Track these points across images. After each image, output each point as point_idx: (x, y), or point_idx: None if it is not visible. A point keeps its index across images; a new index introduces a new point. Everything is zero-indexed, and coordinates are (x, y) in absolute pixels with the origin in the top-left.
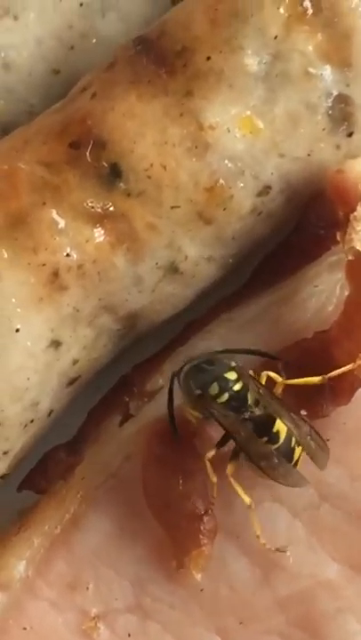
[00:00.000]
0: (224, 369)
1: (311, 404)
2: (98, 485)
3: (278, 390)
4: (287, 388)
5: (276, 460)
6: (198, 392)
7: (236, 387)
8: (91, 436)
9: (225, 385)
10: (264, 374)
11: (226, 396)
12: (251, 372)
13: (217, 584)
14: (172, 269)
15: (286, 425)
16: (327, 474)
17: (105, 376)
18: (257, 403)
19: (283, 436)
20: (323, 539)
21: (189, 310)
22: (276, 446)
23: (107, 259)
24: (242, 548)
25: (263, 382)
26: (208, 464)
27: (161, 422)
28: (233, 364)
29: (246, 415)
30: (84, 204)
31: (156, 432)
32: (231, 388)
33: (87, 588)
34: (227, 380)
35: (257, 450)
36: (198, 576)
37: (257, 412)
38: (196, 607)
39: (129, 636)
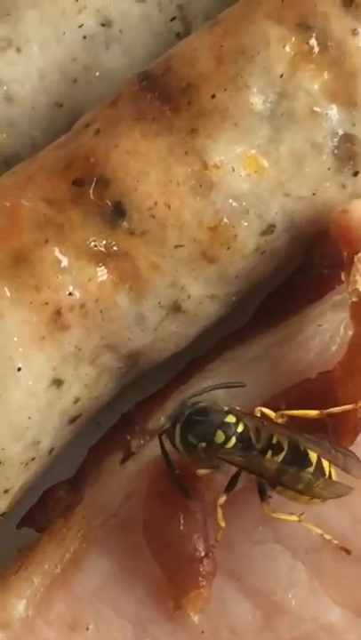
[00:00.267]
0: (222, 415)
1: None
2: (98, 525)
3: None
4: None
5: (313, 478)
6: (203, 445)
7: (240, 428)
8: (91, 475)
9: (229, 430)
10: (257, 410)
11: (233, 440)
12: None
13: (218, 626)
14: (175, 308)
15: (309, 446)
16: (328, 515)
17: (106, 413)
18: (267, 436)
19: (314, 458)
20: (325, 582)
21: (192, 348)
22: (311, 469)
23: (109, 297)
24: (243, 590)
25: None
26: (220, 510)
27: (162, 461)
28: (226, 408)
29: (257, 451)
30: (87, 243)
31: (158, 470)
32: (236, 431)
33: (87, 629)
34: (229, 424)
35: (291, 478)
36: (196, 618)
37: (269, 445)
38: None
39: None
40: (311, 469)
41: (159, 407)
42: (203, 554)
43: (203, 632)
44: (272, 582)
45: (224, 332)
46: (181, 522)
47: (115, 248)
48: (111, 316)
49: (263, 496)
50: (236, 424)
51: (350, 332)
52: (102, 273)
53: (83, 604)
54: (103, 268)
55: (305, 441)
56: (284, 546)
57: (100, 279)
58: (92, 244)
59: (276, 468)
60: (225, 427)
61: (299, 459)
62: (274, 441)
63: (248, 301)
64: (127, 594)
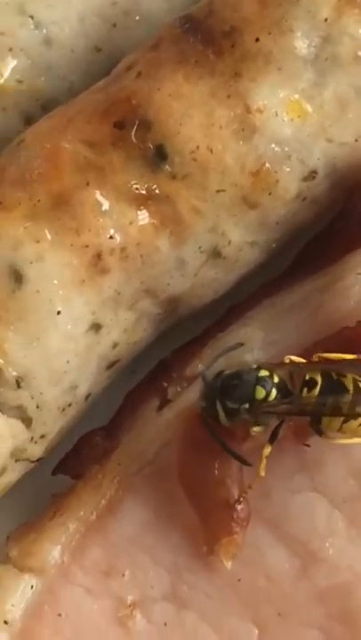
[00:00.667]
0: (254, 372)
1: None
2: (134, 472)
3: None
4: None
5: (353, 401)
6: (246, 406)
7: (275, 379)
8: (127, 421)
9: (266, 384)
10: (286, 358)
11: (273, 391)
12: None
13: (255, 574)
14: (216, 254)
15: (342, 372)
16: None
17: (143, 360)
18: (301, 378)
19: (350, 382)
20: None
21: (230, 296)
22: (349, 394)
23: (150, 242)
24: (280, 538)
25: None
26: (264, 461)
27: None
28: (255, 365)
29: (296, 394)
30: (129, 186)
31: (193, 417)
32: (273, 382)
33: (123, 575)
34: (264, 378)
35: (332, 407)
36: (228, 564)
37: (303, 384)
38: (234, 597)
39: (165, 625)
40: (350, 394)
41: (197, 354)
42: (236, 499)
43: (239, 580)
44: (309, 531)
45: (263, 280)
46: (216, 468)
47: (156, 191)
48: (152, 261)
49: (319, 432)
50: (271, 376)
51: None
52: (143, 216)
53: (118, 551)
54: (144, 211)
55: (338, 369)
56: (322, 494)
57: (141, 223)
58: (134, 187)
59: (315, 402)
60: (262, 382)
61: (335, 387)
62: (307, 378)
63: (287, 248)
64: (163, 541)
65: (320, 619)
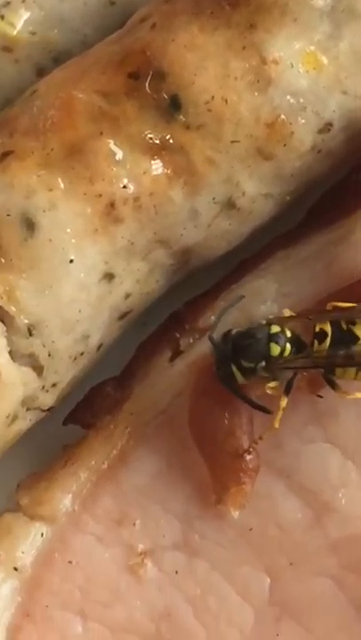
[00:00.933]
0: (266, 329)
1: None
2: (147, 422)
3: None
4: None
5: None
6: (263, 364)
7: (288, 333)
8: (139, 372)
9: (280, 339)
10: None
11: (288, 346)
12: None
13: (266, 524)
14: (229, 205)
15: (352, 321)
16: None
17: (155, 312)
18: (313, 330)
19: (360, 331)
20: None
21: (243, 248)
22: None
23: (164, 192)
24: (293, 488)
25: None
26: (280, 413)
27: (210, 358)
28: (264, 321)
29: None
30: (143, 136)
31: (205, 367)
32: (286, 337)
33: (134, 524)
34: (277, 334)
35: (344, 357)
36: (236, 513)
37: (314, 336)
38: (245, 546)
39: (176, 573)
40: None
41: (210, 305)
42: (246, 449)
43: (251, 529)
44: (322, 481)
45: (277, 233)
46: (226, 418)
47: (170, 141)
48: (165, 211)
49: (333, 385)
50: (283, 331)
51: None
52: (157, 166)
53: (130, 500)
54: (158, 161)
55: (347, 318)
56: (335, 445)
57: (155, 173)
58: (148, 136)
59: (327, 354)
60: (275, 338)
61: (345, 337)
62: (317, 330)
63: (302, 202)
64: (175, 491)
65: (332, 568)
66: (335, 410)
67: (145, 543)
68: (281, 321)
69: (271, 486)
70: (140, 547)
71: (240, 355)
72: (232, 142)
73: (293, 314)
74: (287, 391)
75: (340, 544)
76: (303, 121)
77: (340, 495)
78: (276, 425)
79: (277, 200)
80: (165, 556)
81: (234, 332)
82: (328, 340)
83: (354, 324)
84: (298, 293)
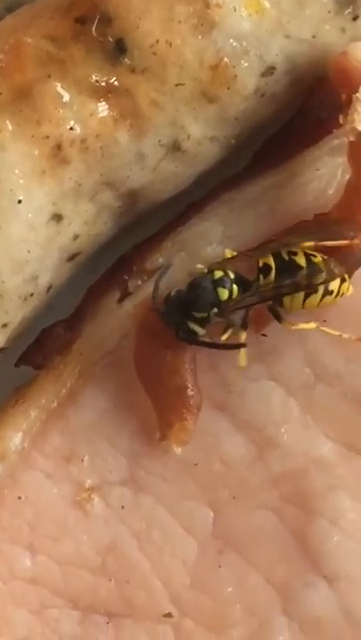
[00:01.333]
0: (209, 276)
1: None
2: (95, 361)
3: None
4: None
5: (310, 276)
6: (215, 310)
7: (231, 275)
8: (89, 314)
9: (225, 283)
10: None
11: (235, 288)
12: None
13: (211, 459)
14: (175, 148)
15: (293, 250)
16: (322, 354)
17: (105, 257)
18: (255, 267)
19: (302, 260)
20: (317, 417)
21: (190, 192)
22: (303, 270)
23: (110, 134)
24: (236, 424)
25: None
26: (243, 351)
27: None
28: (205, 269)
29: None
30: (89, 79)
31: (151, 307)
32: (231, 279)
33: (82, 461)
34: (221, 279)
35: (291, 287)
36: (179, 450)
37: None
38: (190, 481)
39: (122, 508)
40: (304, 269)
41: (157, 248)
42: (189, 386)
43: (195, 464)
44: (265, 417)
45: (223, 178)
46: (170, 356)
47: (116, 84)
48: (111, 153)
49: (279, 317)
50: (226, 274)
51: (348, 176)
52: (103, 108)
53: (78, 438)
54: (104, 103)
55: (287, 246)
56: (278, 382)
57: (101, 115)
58: (94, 79)
59: (273, 286)
60: (221, 283)
61: (288, 267)
62: (260, 265)
63: (248, 146)
64: (122, 428)
65: (274, 501)
66: (279, 348)
67: (92, 479)
68: (222, 264)
69: (216, 423)
70: (88, 482)
71: (191, 308)
72: (177, 85)
73: (234, 253)
74: (244, 326)
75: (282, 478)
76: (246, 64)
77: (283, 431)
78: (243, 363)
79: (223, 143)
80: (112, 492)
81: (173, 292)
82: (273, 273)
83: (295, 254)
84: (243, 235)
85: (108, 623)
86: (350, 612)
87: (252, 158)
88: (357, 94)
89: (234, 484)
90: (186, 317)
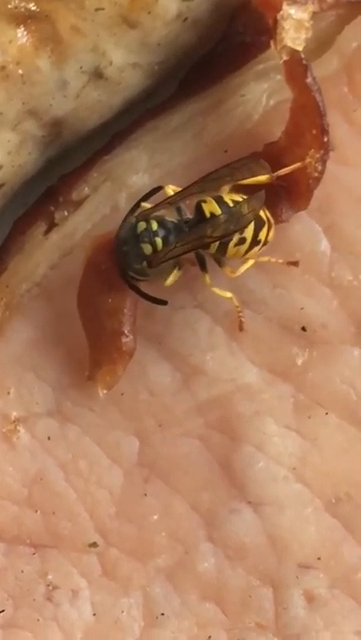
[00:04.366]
0: (132, 230)
1: (271, 211)
2: (22, 294)
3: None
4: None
5: (227, 217)
6: (144, 264)
7: (154, 225)
8: (15, 246)
9: (147, 236)
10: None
11: (159, 240)
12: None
13: (137, 388)
14: (97, 74)
15: (220, 195)
16: (248, 280)
17: (33, 190)
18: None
19: (227, 197)
20: (243, 343)
21: (116, 123)
22: (221, 217)
23: (30, 61)
24: (163, 353)
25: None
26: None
27: (105, 237)
28: (132, 219)
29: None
30: (7, 5)
31: (98, 246)
32: (153, 230)
33: (8, 393)
34: (143, 233)
35: (216, 228)
36: (103, 392)
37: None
38: (116, 411)
39: (48, 439)
40: (222, 217)
41: (83, 178)
42: (124, 332)
43: (122, 394)
44: (191, 345)
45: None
46: (110, 298)
47: (35, 10)
48: (32, 80)
49: (203, 267)
50: (148, 226)
51: (272, 102)
52: (22, 35)
53: (4, 370)
54: (23, 30)
55: (212, 184)
56: (204, 310)
57: (21, 42)
58: (12, 5)
59: (198, 235)
60: (143, 237)
61: (208, 215)
62: (183, 208)
63: (172, 75)
64: (49, 360)
65: (199, 428)
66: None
67: (18, 411)
68: (143, 215)
69: (143, 352)
70: (14, 414)
71: (125, 265)
72: (96, 10)
73: (173, 191)
74: (203, 267)
75: (207, 405)
76: None
77: (209, 358)
78: (229, 296)
79: (146, 70)
80: (38, 423)
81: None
82: (195, 217)
83: (220, 196)
84: (169, 163)
85: (33, 554)
86: (275, 536)
87: (177, 87)
88: (281, 12)
89: (160, 413)
90: (126, 269)
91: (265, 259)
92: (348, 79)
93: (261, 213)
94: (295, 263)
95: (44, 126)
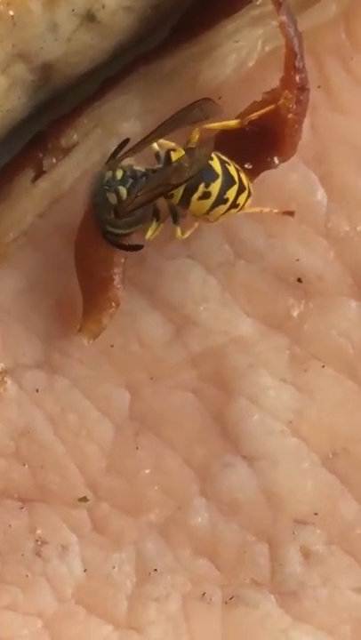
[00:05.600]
0: (102, 180)
1: (257, 159)
2: (9, 242)
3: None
4: (231, 145)
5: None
6: (112, 215)
7: (118, 174)
8: (2, 194)
9: (110, 185)
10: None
11: (121, 188)
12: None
13: (127, 339)
14: (90, 17)
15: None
16: (242, 231)
17: (20, 137)
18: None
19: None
20: (237, 295)
21: (107, 68)
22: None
23: (22, 2)
24: (154, 304)
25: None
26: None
27: None
28: (102, 170)
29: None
30: None
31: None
32: (117, 180)
33: None
34: (108, 182)
35: (175, 176)
36: (87, 341)
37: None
38: (106, 363)
39: (37, 391)
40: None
41: (72, 124)
42: (112, 279)
43: (112, 346)
44: (184, 296)
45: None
46: (103, 245)
47: None
48: (23, 22)
49: (176, 218)
50: (113, 174)
51: (268, 48)
52: None
53: None
54: None
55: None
56: (197, 260)
57: None
58: None
59: (157, 183)
60: (108, 186)
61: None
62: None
63: (165, 20)
64: (37, 309)
65: (193, 381)
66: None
67: (6, 362)
68: (110, 166)
69: (134, 303)
70: (1, 366)
71: (97, 216)
72: None
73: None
74: (175, 220)
75: (200, 357)
76: None
77: (202, 309)
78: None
79: (139, 14)
80: (26, 375)
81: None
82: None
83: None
84: (161, 109)
85: (21, 508)
86: (270, 491)
87: (170, 31)
88: None
89: (151, 365)
90: (103, 224)
91: (257, 209)
92: (346, 26)
93: (233, 171)
94: (291, 213)
95: (34, 70)
